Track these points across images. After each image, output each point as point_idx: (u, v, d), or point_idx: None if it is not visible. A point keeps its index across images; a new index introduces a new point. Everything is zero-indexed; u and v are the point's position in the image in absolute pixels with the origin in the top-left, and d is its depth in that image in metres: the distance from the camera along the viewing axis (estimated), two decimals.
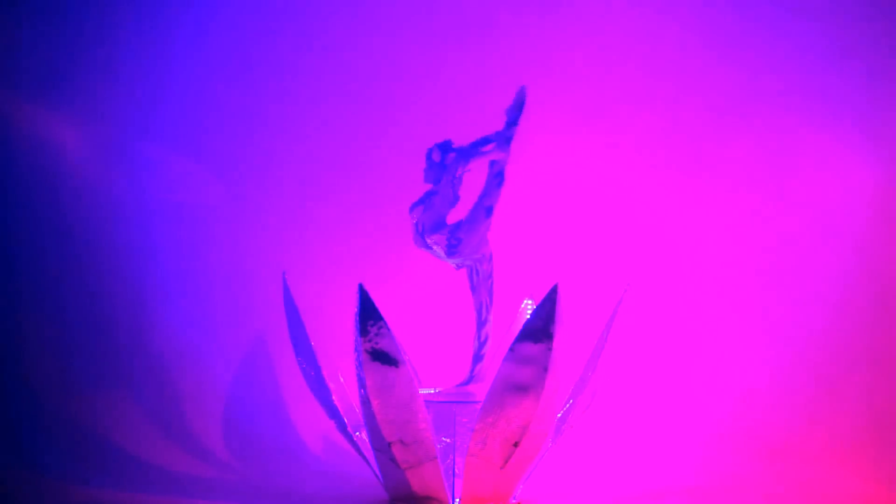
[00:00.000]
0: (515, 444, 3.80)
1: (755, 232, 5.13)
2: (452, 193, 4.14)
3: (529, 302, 4.44)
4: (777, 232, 5.11)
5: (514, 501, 4.05)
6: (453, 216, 4.14)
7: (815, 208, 5.08)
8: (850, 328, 4.93)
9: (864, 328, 4.92)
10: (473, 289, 4.21)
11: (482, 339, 4.20)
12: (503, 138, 4.15)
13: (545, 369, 3.68)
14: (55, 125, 5.00)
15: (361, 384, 3.78)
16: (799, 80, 5.11)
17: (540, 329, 3.66)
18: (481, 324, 4.21)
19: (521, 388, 3.71)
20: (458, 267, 4.19)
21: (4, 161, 4.90)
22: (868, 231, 4.97)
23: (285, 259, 4.95)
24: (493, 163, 4.18)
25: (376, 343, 3.69)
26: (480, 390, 4.08)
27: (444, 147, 4.13)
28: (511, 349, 3.69)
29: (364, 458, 4.12)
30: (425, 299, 5.09)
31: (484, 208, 4.14)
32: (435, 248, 4.12)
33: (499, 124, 4.17)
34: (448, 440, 3.99)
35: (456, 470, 3.97)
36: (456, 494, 3.96)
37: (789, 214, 5.11)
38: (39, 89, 4.98)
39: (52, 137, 4.98)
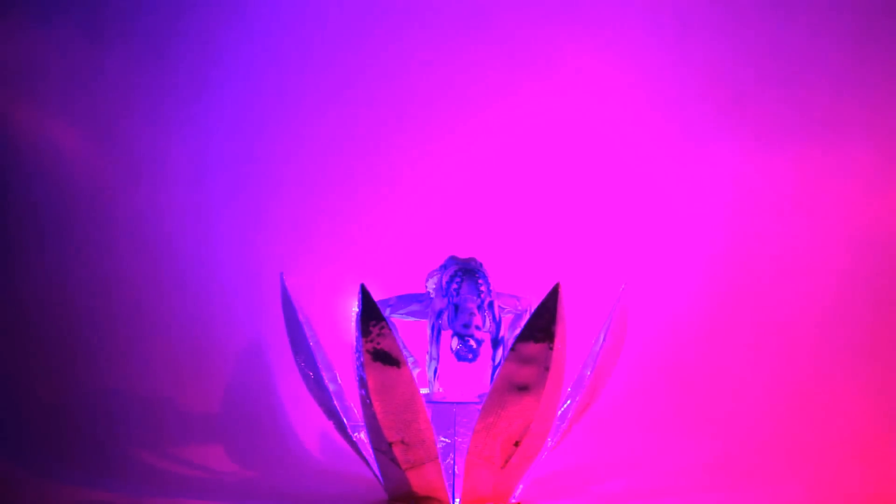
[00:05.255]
0: (516, 444, 3.80)
1: (755, 231, 5.15)
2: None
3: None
4: (776, 229, 5.14)
5: (514, 501, 4.05)
6: None
7: (812, 204, 5.11)
8: (850, 326, 4.96)
9: (865, 325, 4.95)
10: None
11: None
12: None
13: (546, 368, 3.68)
14: (55, 126, 4.98)
15: (363, 385, 3.76)
16: (797, 84, 5.13)
17: (541, 328, 3.66)
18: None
19: (522, 388, 3.71)
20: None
21: (5, 162, 4.88)
22: (867, 229, 5.01)
23: (284, 259, 4.95)
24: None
25: (378, 343, 3.68)
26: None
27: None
28: (512, 348, 3.68)
29: (363, 458, 4.12)
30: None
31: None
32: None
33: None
34: (448, 440, 3.99)
35: (456, 470, 3.97)
36: (456, 494, 3.96)
37: (788, 214, 5.14)
38: (39, 90, 4.96)
39: (52, 138, 4.97)
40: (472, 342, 4.03)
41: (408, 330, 4.26)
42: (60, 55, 4.99)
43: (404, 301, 4.30)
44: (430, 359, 4.19)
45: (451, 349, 4.07)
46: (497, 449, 3.81)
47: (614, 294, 4.14)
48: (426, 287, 4.28)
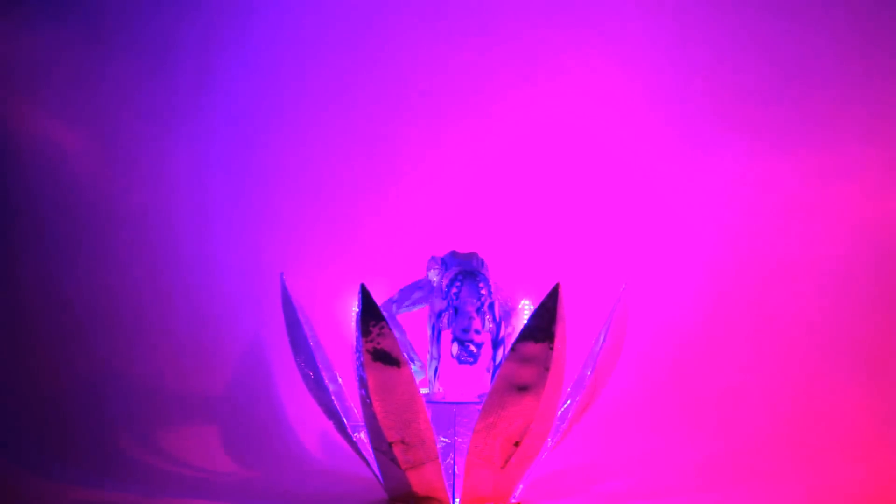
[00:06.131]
0: (516, 444, 3.80)
1: (754, 230, 5.15)
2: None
3: (527, 302, 4.44)
4: (775, 229, 5.14)
5: (514, 501, 4.05)
6: None
7: (812, 206, 5.11)
8: (849, 325, 4.97)
9: (862, 325, 4.95)
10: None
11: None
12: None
13: (546, 369, 3.68)
14: (55, 126, 4.98)
15: (363, 385, 3.76)
16: (795, 85, 5.14)
17: (541, 328, 3.66)
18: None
19: (522, 388, 3.71)
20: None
21: (6, 161, 4.88)
22: (868, 231, 5.01)
23: (284, 259, 4.95)
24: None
25: (378, 343, 3.68)
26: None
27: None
28: (512, 348, 3.68)
29: (363, 458, 4.12)
30: None
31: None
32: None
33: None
34: (448, 440, 3.98)
35: (456, 470, 3.97)
36: (456, 494, 3.96)
37: (787, 213, 5.14)
38: (40, 90, 4.96)
39: (53, 138, 4.97)
40: (471, 347, 4.02)
41: (412, 330, 4.26)
42: (61, 53, 4.99)
43: (406, 292, 4.30)
44: (431, 358, 4.19)
45: (452, 355, 4.06)
46: (497, 449, 3.81)
47: (614, 294, 4.14)
48: (427, 275, 4.27)
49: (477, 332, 4.02)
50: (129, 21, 5.09)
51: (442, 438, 3.97)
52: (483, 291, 4.08)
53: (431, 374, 4.19)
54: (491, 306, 4.10)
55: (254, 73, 5.23)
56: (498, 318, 4.13)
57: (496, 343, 4.17)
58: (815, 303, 5.05)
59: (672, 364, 5.09)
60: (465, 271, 4.10)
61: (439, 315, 4.12)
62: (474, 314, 4.03)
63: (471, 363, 4.04)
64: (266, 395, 5.06)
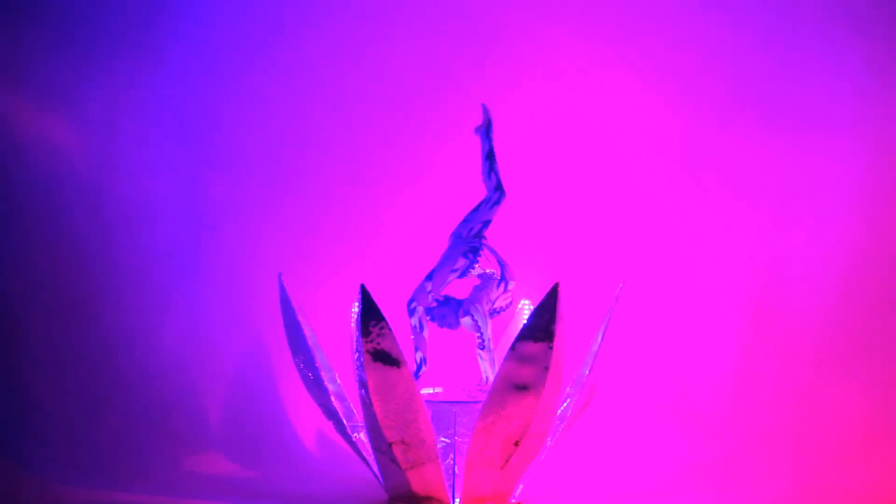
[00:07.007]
0: (516, 443, 3.81)
1: (753, 230, 5.15)
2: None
3: (526, 302, 4.45)
4: (774, 230, 5.14)
5: (514, 501, 4.06)
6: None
7: (812, 205, 5.12)
8: (850, 326, 4.97)
9: (864, 326, 4.96)
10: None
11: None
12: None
13: (546, 368, 3.69)
14: (56, 127, 4.97)
15: (363, 385, 3.77)
16: (793, 84, 5.14)
17: (541, 328, 3.67)
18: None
19: (522, 387, 3.72)
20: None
21: (6, 161, 4.87)
22: (864, 227, 5.02)
23: (283, 260, 4.95)
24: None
25: (378, 343, 3.69)
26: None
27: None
28: (512, 348, 3.70)
29: (363, 458, 4.12)
30: None
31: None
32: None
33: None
34: (448, 440, 3.99)
35: (456, 470, 3.97)
36: (456, 494, 3.96)
37: (786, 212, 5.14)
38: (41, 89, 4.95)
39: (54, 139, 4.96)
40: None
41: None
42: (58, 51, 4.98)
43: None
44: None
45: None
46: (497, 449, 3.82)
47: (612, 293, 4.14)
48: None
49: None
50: (128, 22, 5.09)
51: (442, 438, 3.97)
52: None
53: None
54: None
55: (253, 73, 5.23)
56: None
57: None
58: (815, 301, 5.05)
59: (671, 362, 5.10)
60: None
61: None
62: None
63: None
64: (266, 396, 5.06)
